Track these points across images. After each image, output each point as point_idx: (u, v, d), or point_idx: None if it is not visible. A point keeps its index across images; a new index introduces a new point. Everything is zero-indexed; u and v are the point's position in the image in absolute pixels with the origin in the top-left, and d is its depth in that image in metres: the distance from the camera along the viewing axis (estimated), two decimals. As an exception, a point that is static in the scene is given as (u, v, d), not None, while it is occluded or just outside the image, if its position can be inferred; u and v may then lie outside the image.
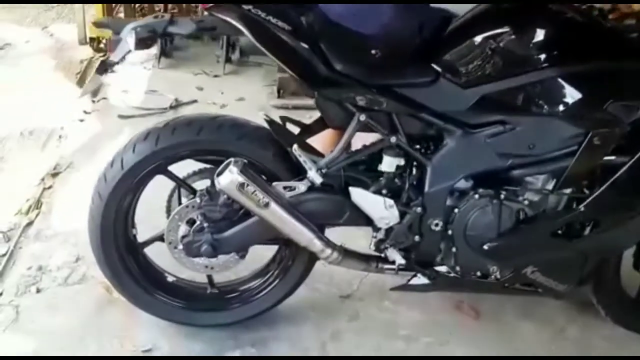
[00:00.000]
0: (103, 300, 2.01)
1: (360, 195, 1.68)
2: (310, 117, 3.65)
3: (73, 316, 1.96)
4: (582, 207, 1.66)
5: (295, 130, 1.88)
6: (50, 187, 2.68)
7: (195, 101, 3.59)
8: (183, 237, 1.74)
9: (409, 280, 1.81)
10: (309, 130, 1.92)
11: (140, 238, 1.90)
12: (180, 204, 1.82)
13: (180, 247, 1.73)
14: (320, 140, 2.11)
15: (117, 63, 1.69)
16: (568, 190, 1.68)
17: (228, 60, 4.06)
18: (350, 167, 1.71)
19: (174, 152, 1.70)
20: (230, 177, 1.51)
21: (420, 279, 1.82)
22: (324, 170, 1.63)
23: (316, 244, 1.66)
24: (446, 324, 2.08)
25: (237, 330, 1.93)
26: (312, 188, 1.65)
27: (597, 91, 1.60)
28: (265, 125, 1.77)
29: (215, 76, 3.98)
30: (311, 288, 2.09)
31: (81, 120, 3.28)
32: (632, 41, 1.71)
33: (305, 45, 1.55)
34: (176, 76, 3.90)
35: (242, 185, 1.52)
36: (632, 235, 1.76)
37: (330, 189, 1.69)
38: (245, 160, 1.60)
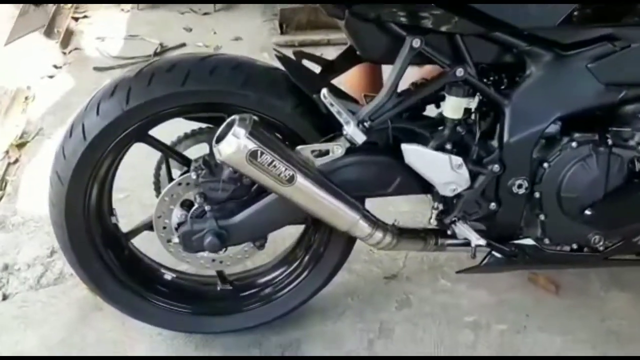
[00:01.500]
0: (87, 306, 1.59)
1: (416, 154, 1.21)
2: (322, 54, 3.16)
3: (49, 329, 1.54)
4: None
5: (315, 69, 1.41)
6: (16, 162, 2.20)
7: (183, 44, 3.07)
8: (179, 225, 1.29)
9: (483, 261, 1.37)
10: (332, 68, 1.45)
11: (124, 227, 1.45)
12: (170, 179, 1.36)
13: (176, 239, 1.28)
14: (347, 83, 1.64)
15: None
16: None
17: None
18: (399, 117, 1.23)
19: (152, 111, 1.23)
20: (235, 144, 1.04)
21: (495, 257, 1.37)
22: (366, 124, 1.16)
23: (362, 227, 1.21)
24: (520, 303, 1.66)
25: (261, 332, 1.52)
26: (350, 150, 1.18)
27: None
28: (277, 64, 1.29)
29: (205, 14, 3.43)
30: (346, 269, 1.63)
31: (50, 77, 2.76)
32: None
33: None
34: (159, 17, 3.35)
35: (253, 154, 1.05)
36: None
37: (374, 148, 1.22)
38: (256, 117, 1.12)
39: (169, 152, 1.35)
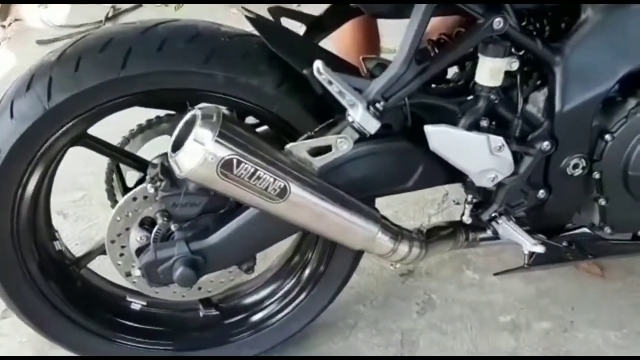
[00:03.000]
0: (43, 341, 1.26)
1: (444, 137, 0.92)
2: (298, 5, 2.82)
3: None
4: None
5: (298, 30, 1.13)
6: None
7: (139, 5, 2.70)
8: (139, 251, 0.99)
9: (529, 262, 1.09)
10: (319, 27, 1.15)
11: (75, 251, 1.15)
12: (125, 190, 1.05)
13: (137, 273, 0.98)
14: (337, 44, 1.33)
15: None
16: None
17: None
18: (418, 90, 0.92)
19: (85, 107, 0.91)
20: (201, 153, 0.73)
21: (542, 253, 1.09)
22: (379, 105, 0.85)
23: (382, 242, 0.91)
24: (563, 293, 1.42)
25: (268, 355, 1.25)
26: (358, 140, 0.87)
27: None
28: (249, 28, 0.98)
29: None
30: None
31: (-13, 53, 2.40)
32: None
33: None
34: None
35: (227, 164, 0.74)
36: None
37: (388, 133, 0.91)
38: (224, 109, 0.80)
39: (119, 156, 1.03)
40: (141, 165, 1.05)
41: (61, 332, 1.11)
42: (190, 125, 0.78)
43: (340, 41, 1.40)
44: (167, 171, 0.93)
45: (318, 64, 0.81)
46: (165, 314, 1.20)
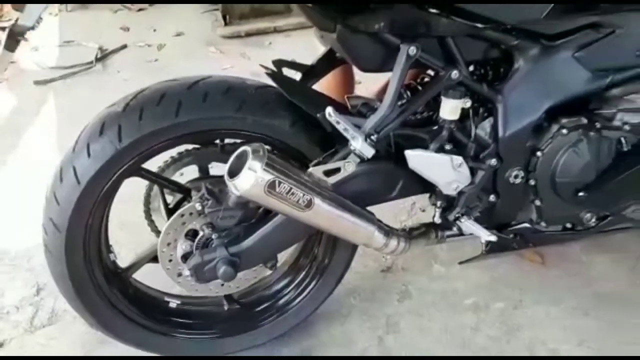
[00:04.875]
0: (89, 341, 1.53)
1: (419, 158, 1.22)
2: (270, 43, 3.13)
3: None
4: None
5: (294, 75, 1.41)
6: (-29, 194, 2.07)
7: (124, 46, 2.94)
8: (185, 256, 1.25)
9: (485, 249, 1.41)
10: (312, 73, 1.44)
11: (122, 262, 1.40)
12: (169, 209, 1.32)
13: (187, 272, 1.24)
14: (323, 85, 1.62)
15: (33, 28, 1.10)
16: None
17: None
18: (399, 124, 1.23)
19: (147, 146, 1.17)
20: (253, 178, 1.01)
21: (494, 243, 1.42)
22: (373, 137, 1.15)
23: (378, 239, 1.21)
24: (512, 278, 1.74)
25: (271, 346, 1.51)
26: (358, 163, 1.17)
27: None
28: (265, 79, 1.27)
29: (140, 10, 3.31)
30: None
31: (-12, 97, 2.60)
32: None
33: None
34: (92, 17, 3.20)
35: (272, 185, 1.03)
36: None
37: (378, 157, 1.21)
38: (266, 146, 1.09)
39: (164, 183, 1.30)
40: (179, 188, 1.32)
41: (125, 331, 1.36)
42: (240, 158, 1.06)
43: (326, 82, 1.70)
44: (211, 192, 1.21)
45: (329, 110, 1.11)
46: (197, 309, 1.47)
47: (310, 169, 1.13)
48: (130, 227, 1.67)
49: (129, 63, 2.80)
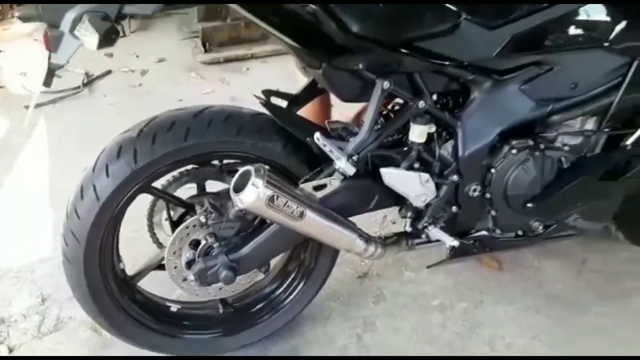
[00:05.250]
0: (94, 345, 1.68)
1: (393, 176, 1.43)
2: (247, 69, 3.33)
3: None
4: (629, 144, 1.51)
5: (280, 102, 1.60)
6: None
7: (109, 72, 3.09)
8: (190, 263, 1.43)
9: (449, 254, 1.62)
10: (296, 101, 1.63)
11: (129, 270, 1.56)
12: (173, 222, 1.49)
13: (191, 277, 1.41)
14: (305, 111, 1.82)
15: (63, 66, 1.26)
16: (612, 128, 1.52)
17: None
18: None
19: (159, 167, 1.35)
20: (256, 193, 1.20)
21: (457, 249, 1.63)
22: (354, 158, 1.35)
23: (358, 244, 1.41)
24: (473, 282, 1.95)
25: (262, 345, 1.68)
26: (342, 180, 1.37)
27: (640, 13, 1.41)
28: (259, 107, 1.46)
29: (122, 36, 3.42)
30: (324, 275, 1.84)
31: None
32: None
33: (316, 7, 1.21)
34: (76, 43, 3.32)
35: (271, 199, 1.21)
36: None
37: (358, 174, 1.41)
38: (266, 166, 1.27)
39: (170, 199, 1.47)
40: (182, 204, 1.50)
41: (134, 334, 1.52)
42: (244, 176, 1.24)
43: (308, 109, 1.90)
44: (214, 206, 1.39)
45: (317, 134, 1.31)
46: (194, 313, 1.64)
47: (302, 185, 1.33)
48: (127, 242, 1.83)
49: (114, 88, 2.96)
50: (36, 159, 2.42)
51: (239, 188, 1.23)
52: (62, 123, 2.64)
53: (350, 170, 1.34)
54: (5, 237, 2.07)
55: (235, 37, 3.35)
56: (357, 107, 1.78)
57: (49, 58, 1.23)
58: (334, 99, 1.92)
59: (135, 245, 1.71)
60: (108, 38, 1.15)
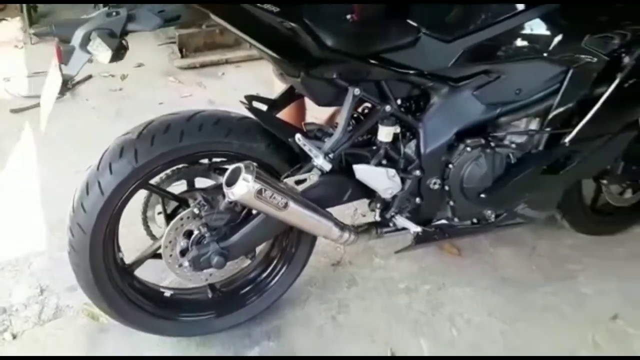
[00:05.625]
0: (92, 330, 1.83)
1: (364, 171, 1.63)
2: (222, 73, 3.49)
3: (68, 354, 1.76)
4: (567, 142, 1.74)
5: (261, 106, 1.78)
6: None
7: (90, 77, 3.22)
8: (184, 252, 1.60)
9: (415, 241, 1.82)
10: (275, 105, 1.81)
11: (126, 259, 1.72)
12: (167, 215, 1.66)
13: (186, 263, 1.59)
14: (283, 114, 2.00)
15: (74, 77, 1.42)
16: (552, 127, 1.74)
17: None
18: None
19: (157, 165, 1.52)
20: (246, 187, 1.38)
21: (421, 236, 1.83)
22: (330, 155, 1.55)
23: (334, 231, 1.60)
24: (435, 267, 2.16)
25: (247, 326, 1.86)
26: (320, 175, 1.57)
27: (574, 27, 1.63)
28: (244, 112, 1.63)
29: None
30: (301, 263, 2.03)
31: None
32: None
33: (295, 25, 1.39)
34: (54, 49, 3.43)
35: (259, 191, 1.40)
36: (608, 156, 1.89)
37: (334, 171, 1.61)
38: (255, 163, 1.46)
39: (165, 194, 1.64)
40: (176, 199, 1.66)
41: (134, 317, 1.68)
42: (235, 172, 1.42)
43: (286, 112, 2.08)
44: (207, 200, 1.56)
45: (298, 135, 1.50)
46: (187, 297, 1.81)
47: (285, 180, 1.51)
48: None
49: (96, 92, 3.09)
50: (28, 160, 2.55)
51: (230, 182, 1.41)
52: (49, 125, 2.76)
53: (327, 167, 1.54)
54: (2, 233, 2.19)
55: (211, 43, 3.51)
56: (329, 110, 1.99)
57: (61, 69, 1.39)
58: (308, 102, 2.12)
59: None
60: (118, 53, 1.31)
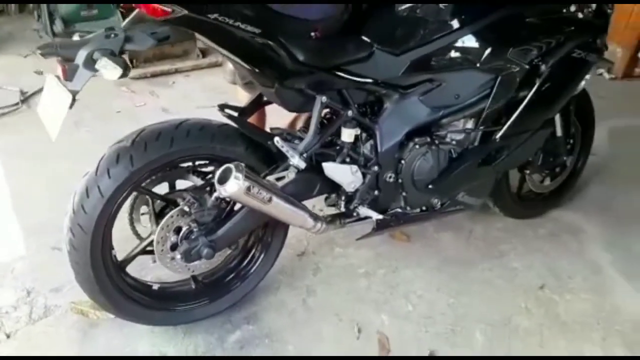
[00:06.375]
0: (84, 326, 1.96)
1: (331, 168, 1.87)
2: (173, 82, 3.64)
3: (61, 350, 1.89)
4: (498, 138, 2.06)
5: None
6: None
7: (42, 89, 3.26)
8: (173, 246, 1.78)
9: (374, 228, 2.08)
10: (245, 112, 2.02)
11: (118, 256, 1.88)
12: (157, 214, 1.83)
13: (178, 256, 1.77)
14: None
15: (78, 92, 1.57)
16: (485, 126, 2.05)
17: (54, 34, 3.71)
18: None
19: (150, 169, 1.69)
20: (237, 184, 1.58)
21: (379, 224, 2.09)
22: (304, 155, 1.78)
23: (309, 221, 1.83)
24: (389, 253, 2.43)
25: (227, 313, 2.06)
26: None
27: (500, 42, 1.93)
28: (223, 119, 1.83)
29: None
30: (271, 255, 2.25)
31: None
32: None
33: (272, 43, 1.61)
34: (3, 62, 3.48)
35: (248, 188, 1.60)
36: (530, 149, 2.23)
37: (307, 169, 1.83)
38: (243, 163, 1.66)
39: (154, 195, 1.81)
40: (164, 199, 1.84)
41: (127, 309, 1.84)
42: (225, 172, 1.62)
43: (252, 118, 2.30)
44: (196, 198, 1.75)
45: (277, 138, 1.73)
46: (173, 289, 1.98)
47: (267, 177, 1.73)
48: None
49: (51, 104, 3.16)
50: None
51: (222, 181, 1.61)
52: (11, 135, 2.84)
53: (302, 165, 1.77)
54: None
55: (160, 54, 3.64)
56: (290, 116, 2.23)
57: (67, 86, 1.54)
58: (268, 110, 2.34)
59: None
60: (125, 71, 1.49)
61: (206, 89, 3.54)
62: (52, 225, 2.29)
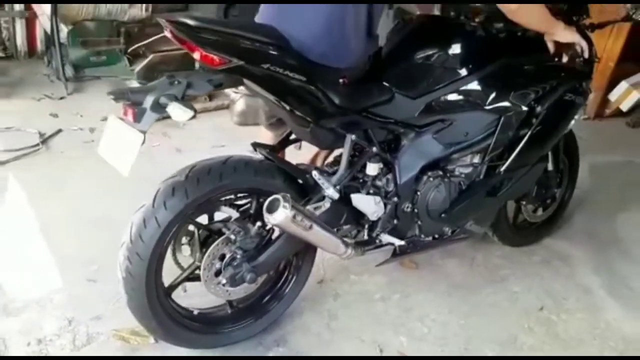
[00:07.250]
0: (126, 351, 2.08)
1: (358, 199, 2.08)
2: (184, 124, 3.81)
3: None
4: (502, 171, 2.30)
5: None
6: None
7: (60, 130, 3.43)
8: (217, 272, 1.94)
9: (393, 255, 2.28)
10: (275, 150, 2.21)
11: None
12: (202, 244, 1.99)
13: (224, 281, 1.93)
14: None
15: (146, 132, 1.75)
16: (490, 161, 2.30)
17: (66, 79, 3.88)
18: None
19: (202, 201, 1.87)
20: (285, 213, 1.77)
21: (396, 250, 2.30)
22: (338, 187, 1.98)
23: (341, 248, 2.02)
24: (401, 279, 2.62)
25: (259, 336, 2.20)
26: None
27: (503, 87, 2.19)
28: (259, 155, 2.04)
29: (61, 98, 3.79)
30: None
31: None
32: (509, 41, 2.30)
33: (313, 88, 1.83)
34: (19, 106, 3.63)
35: (295, 217, 1.79)
36: (529, 182, 2.49)
37: (338, 199, 2.03)
38: (288, 194, 1.84)
39: (200, 225, 1.98)
40: (208, 229, 2.01)
41: (182, 336, 1.99)
42: (273, 202, 1.80)
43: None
44: (242, 227, 1.93)
45: (314, 172, 1.93)
46: (210, 314, 2.13)
47: (308, 207, 1.93)
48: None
49: (69, 144, 3.30)
50: (20, 209, 2.73)
51: (270, 210, 1.80)
52: (33, 176, 2.96)
53: (336, 196, 1.97)
54: (15, 277, 2.38)
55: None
56: (310, 152, 2.45)
57: (134, 127, 1.72)
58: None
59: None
60: (195, 113, 1.68)
61: (216, 130, 3.73)
62: (82, 258, 2.45)
